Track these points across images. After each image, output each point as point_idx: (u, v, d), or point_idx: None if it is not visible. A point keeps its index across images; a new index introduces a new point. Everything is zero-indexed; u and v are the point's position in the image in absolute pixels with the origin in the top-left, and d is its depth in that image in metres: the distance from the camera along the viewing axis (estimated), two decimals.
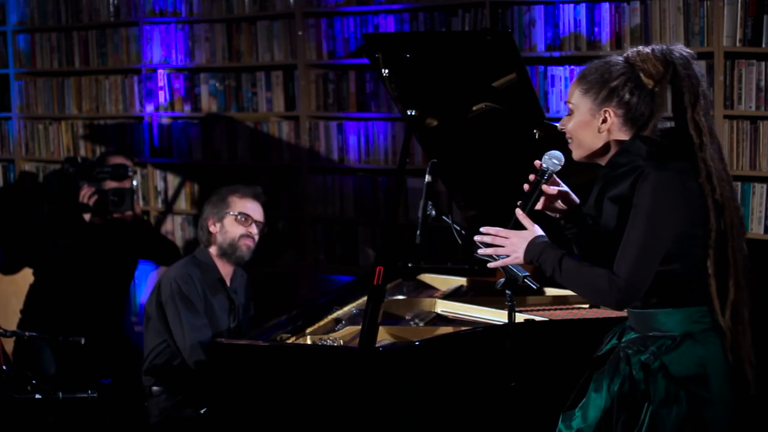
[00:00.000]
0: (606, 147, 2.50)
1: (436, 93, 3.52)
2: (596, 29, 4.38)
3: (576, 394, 2.59)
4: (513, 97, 3.36)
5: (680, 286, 2.43)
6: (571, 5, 4.42)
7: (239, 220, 3.73)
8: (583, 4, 4.39)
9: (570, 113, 2.56)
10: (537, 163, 2.63)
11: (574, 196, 2.68)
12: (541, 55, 4.49)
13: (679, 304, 2.44)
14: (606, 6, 4.34)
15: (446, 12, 4.67)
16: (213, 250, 3.75)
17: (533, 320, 3.29)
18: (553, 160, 2.60)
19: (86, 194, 4.47)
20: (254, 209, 3.77)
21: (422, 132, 3.71)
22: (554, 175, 2.63)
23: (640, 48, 2.49)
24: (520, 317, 3.18)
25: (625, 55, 2.51)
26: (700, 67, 2.49)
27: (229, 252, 3.73)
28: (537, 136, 3.41)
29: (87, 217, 4.50)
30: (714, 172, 2.38)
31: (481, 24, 4.56)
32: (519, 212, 2.57)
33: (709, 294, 2.41)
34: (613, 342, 2.60)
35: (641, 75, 2.46)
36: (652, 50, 2.46)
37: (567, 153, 2.60)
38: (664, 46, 2.47)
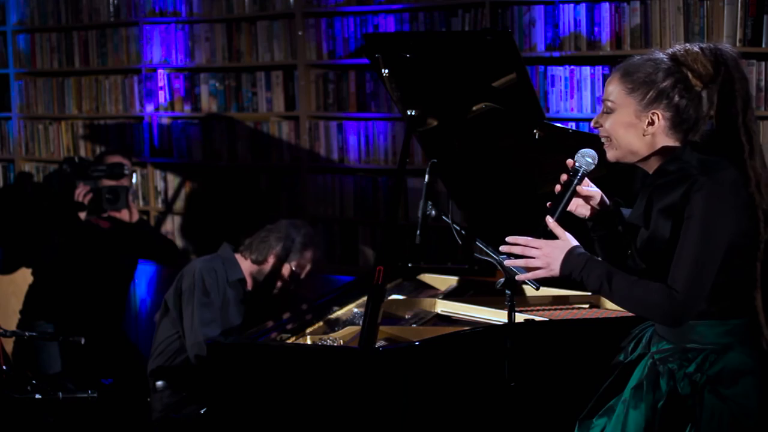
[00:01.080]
0: (642, 152, 2.39)
1: (436, 93, 3.52)
2: (596, 29, 4.38)
3: (596, 402, 2.51)
4: (513, 97, 3.36)
5: (723, 298, 2.33)
6: (571, 5, 4.42)
7: (291, 273, 3.82)
8: (583, 4, 4.39)
9: (607, 111, 2.42)
10: (569, 162, 2.51)
11: (605, 198, 2.58)
12: (541, 55, 4.49)
13: (721, 316, 2.34)
14: (606, 6, 4.34)
15: (446, 12, 4.67)
16: (250, 266, 3.83)
17: (533, 320, 3.29)
18: (586, 158, 2.49)
19: (81, 192, 4.48)
20: (308, 269, 3.87)
21: (422, 132, 3.71)
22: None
23: (688, 46, 2.36)
24: (520, 317, 3.18)
25: (671, 52, 2.38)
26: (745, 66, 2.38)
27: (258, 281, 3.82)
28: (537, 136, 3.40)
29: (82, 215, 4.50)
30: (762, 180, 2.28)
31: (481, 24, 4.56)
32: (550, 221, 2.43)
33: (754, 307, 2.32)
34: (640, 350, 2.51)
35: (690, 76, 2.34)
36: (702, 49, 2.33)
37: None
38: (712, 45, 2.35)
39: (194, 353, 3.53)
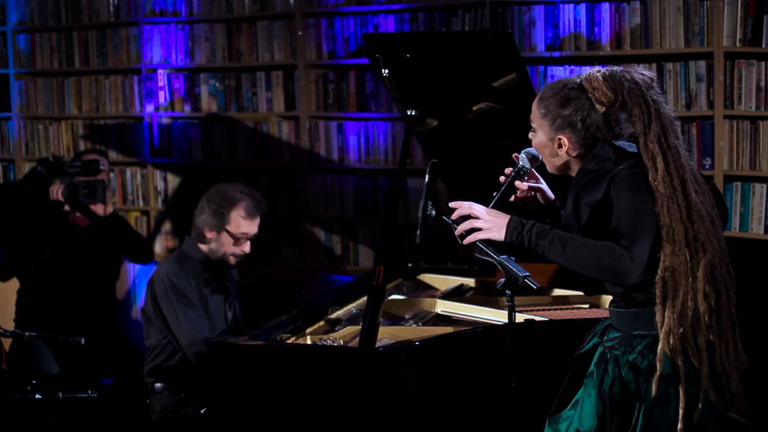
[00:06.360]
0: (566, 164, 2.57)
1: (436, 93, 3.52)
2: (596, 29, 4.38)
3: (561, 397, 2.62)
4: (513, 97, 3.36)
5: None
6: (571, 5, 4.42)
7: (236, 238, 3.69)
8: (583, 4, 4.39)
9: (532, 130, 2.61)
10: (515, 156, 2.70)
11: (549, 192, 2.76)
12: (541, 55, 4.49)
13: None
14: (606, 6, 4.35)
15: (446, 12, 4.68)
16: (204, 247, 3.73)
17: (533, 320, 3.29)
18: (527, 157, 2.67)
19: (56, 189, 4.44)
20: (253, 227, 3.72)
21: (422, 132, 3.71)
22: (533, 171, 2.71)
23: (593, 72, 2.51)
24: (520, 317, 3.18)
25: (582, 78, 2.53)
26: (658, 86, 2.51)
27: (216, 259, 3.72)
28: None
29: (67, 207, 4.44)
30: (667, 197, 2.38)
31: (481, 24, 4.56)
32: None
33: (657, 322, 2.44)
34: (595, 340, 2.61)
35: (593, 101, 2.49)
36: (603, 76, 2.48)
37: None
38: (619, 71, 2.48)
39: (193, 352, 3.52)
